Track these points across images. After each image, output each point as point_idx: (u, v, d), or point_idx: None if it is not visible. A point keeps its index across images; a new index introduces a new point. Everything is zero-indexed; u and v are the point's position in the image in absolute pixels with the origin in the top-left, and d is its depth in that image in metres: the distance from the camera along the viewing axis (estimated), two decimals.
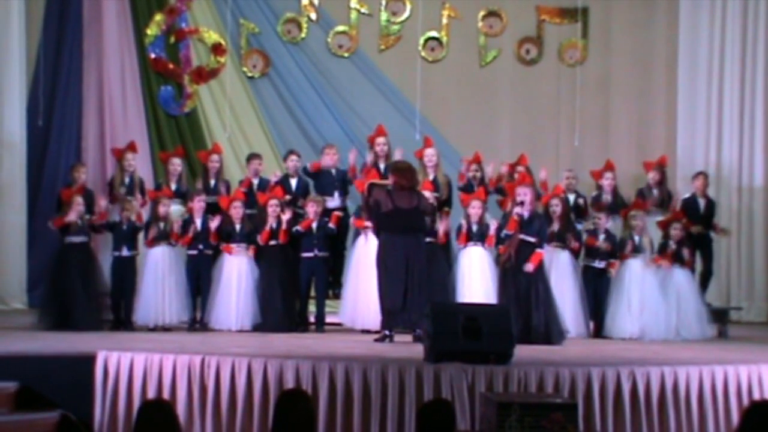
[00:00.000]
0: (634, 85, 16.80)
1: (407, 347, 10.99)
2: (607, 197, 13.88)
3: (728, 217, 15.82)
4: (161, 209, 12.87)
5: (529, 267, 11.90)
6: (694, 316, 13.02)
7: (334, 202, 13.53)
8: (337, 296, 13.46)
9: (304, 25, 16.55)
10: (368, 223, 12.72)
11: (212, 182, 13.83)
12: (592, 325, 13.01)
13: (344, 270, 13.27)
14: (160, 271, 12.77)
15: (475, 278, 12.78)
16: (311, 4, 16.54)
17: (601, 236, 13.10)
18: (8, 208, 15.33)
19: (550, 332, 11.83)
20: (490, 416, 7.84)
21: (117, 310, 12.69)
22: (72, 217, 12.47)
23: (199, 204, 13.01)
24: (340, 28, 16.60)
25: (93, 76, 15.92)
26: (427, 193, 12.53)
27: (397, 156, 13.15)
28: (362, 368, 9.20)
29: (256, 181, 13.76)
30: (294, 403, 6.28)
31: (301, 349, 10.57)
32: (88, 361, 9.62)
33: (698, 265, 14.06)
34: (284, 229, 12.84)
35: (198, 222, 12.94)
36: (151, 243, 12.80)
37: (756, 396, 9.44)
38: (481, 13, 16.75)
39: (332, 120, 16.37)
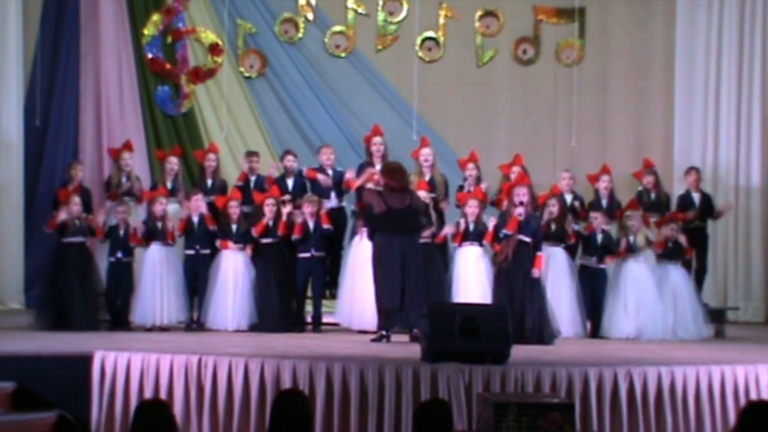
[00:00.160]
0: (631, 85, 16.79)
1: (404, 347, 11.00)
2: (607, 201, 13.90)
3: (725, 216, 15.82)
4: (158, 208, 12.87)
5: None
6: (691, 316, 13.03)
7: (331, 203, 13.53)
8: (333, 296, 13.46)
9: (301, 25, 16.54)
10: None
11: (209, 181, 13.83)
12: (589, 325, 13.01)
13: (341, 270, 13.28)
14: (157, 271, 12.77)
15: (471, 278, 12.78)
16: (308, 4, 16.53)
17: (599, 236, 13.11)
18: (5, 208, 15.31)
19: (543, 332, 11.85)
20: (487, 416, 7.85)
21: (113, 311, 12.67)
22: (63, 215, 12.46)
23: (196, 203, 13.01)
24: (337, 28, 16.60)
25: (90, 76, 15.90)
26: (422, 193, 12.53)
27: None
28: (359, 368, 9.20)
29: (253, 179, 13.76)
30: (291, 403, 6.28)
31: (298, 349, 10.58)
32: (86, 361, 9.62)
33: (693, 262, 14.06)
34: (284, 222, 12.83)
35: (195, 220, 12.94)
36: (146, 242, 12.79)
37: (753, 396, 9.45)
38: (478, 13, 16.75)
39: (329, 120, 16.36)
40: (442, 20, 16.70)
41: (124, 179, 13.79)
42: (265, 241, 12.89)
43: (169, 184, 13.72)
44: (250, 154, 14.15)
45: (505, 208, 12.42)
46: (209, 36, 16.29)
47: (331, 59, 16.59)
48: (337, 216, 13.48)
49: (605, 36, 16.85)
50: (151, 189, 13.65)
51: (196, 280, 12.94)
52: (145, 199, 13.32)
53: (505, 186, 12.74)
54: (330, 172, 13.72)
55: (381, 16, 16.69)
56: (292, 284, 12.93)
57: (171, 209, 13.25)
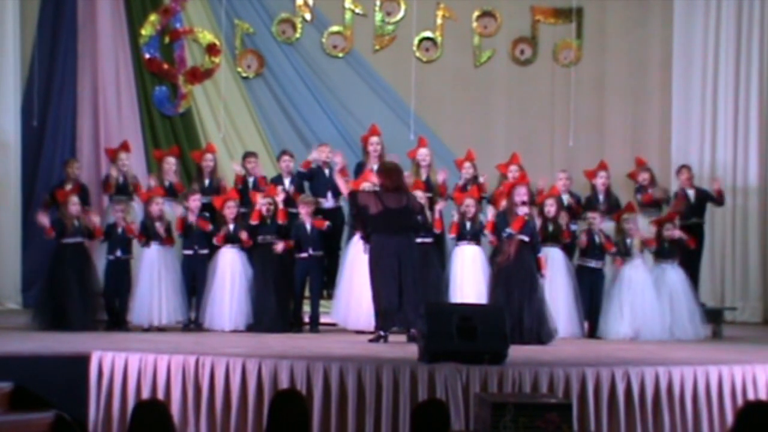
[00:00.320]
0: (628, 86, 16.81)
1: (402, 347, 11.00)
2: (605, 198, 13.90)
3: (723, 216, 15.85)
4: (154, 208, 12.87)
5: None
6: (688, 317, 13.03)
7: (328, 203, 13.53)
8: (331, 296, 13.46)
9: (299, 26, 16.55)
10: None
11: (207, 182, 13.83)
12: (586, 325, 13.02)
13: (338, 270, 13.27)
14: (155, 271, 12.77)
15: (468, 278, 12.79)
16: (306, 4, 16.53)
17: (596, 237, 13.11)
18: (3, 208, 15.32)
19: (541, 332, 11.85)
20: (484, 416, 7.84)
21: (111, 311, 12.68)
22: (45, 221, 12.43)
23: (194, 203, 13.01)
24: (335, 28, 16.60)
25: (88, 77, 15.91)
26: (419, 193, 12.53)
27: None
28: (357, 368, 9.20)
29: (251, 180, 13.76)
30: (288, 404, 6.28)
31: (295, 349, 10.57)
32: (83, 361, 9.62)
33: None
34: (282, 209, 12.83)
35: (193, 222, 12.94)
36: (146, 243, 12.81)
37: (750, 396, 9.45)
38: (476, 14, 16.75)
39: (327, 120, 16.37)
40: (439, 20, 16.70)
41: (121, 179, 13.77)
42: (262, 240, 12.88)
43: (166, 184, 13.70)
44: (248, 155, 14.14)
45: (504, 208, 12.40)
46: (207, 36, 16.29)
47: (328, 59, 16.60)
48: (334, 216, 13.47)
49: (602, 36, 16.87)
50: (148, 189, 13.64)
51: (194, 280, 12.94)
52: (142, 200, 13.31)
53: (506, 185, 12.74)
54: (327, 173, 13.71)
55: (378, 16, 16.69)
56: (290, 284, 12.92)
57: (168, 209, 13.25)
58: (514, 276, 11.94)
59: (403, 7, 16.68)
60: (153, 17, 16.18)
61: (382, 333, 11.66)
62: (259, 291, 12.77)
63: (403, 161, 13.04)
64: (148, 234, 12.81)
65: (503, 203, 12.49)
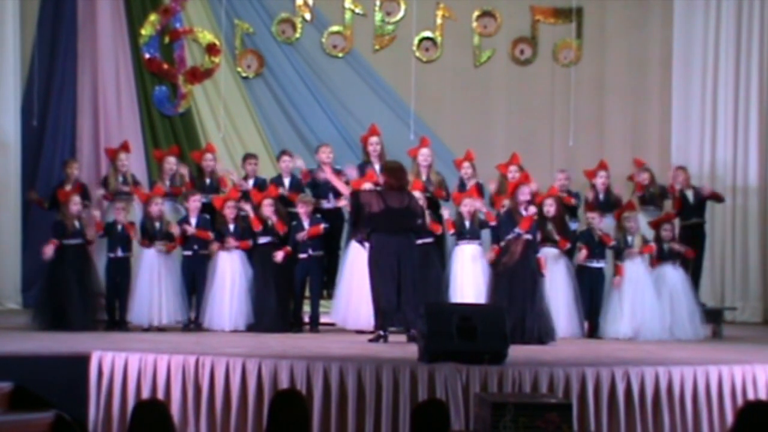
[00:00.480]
0: (628, 86, 16.80)
1: (402, 347, 11.00)
2: (605, 196, 13.90)
3: (723, 216, 15.86)
4: (154, 209, 12.87)
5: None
6: (688, 316, 13.03)
7: (328, 204, 13.53)
8: (331, 296, 13.46)
9: (299, 26, 16.54)
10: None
11: (207, 182, 13.83)
12: (586, 325, 13.02)
13: (338, 270, 13.27)
14: (155, 271, 12.78)
15: (468, 277, 12.78)
16: (305, 4, 16.53)
17: (596, 237, 13.11)
18: (3, 209, 15.33)
19: (542, 332, 11.86)
20: (484, 416, 7.85)
21: (111, 311, 12.68)
22: (50, 253, 12.43)
23: (194, 204, 13.01)
24: (335, 28, 16.59)
25: (87, 77, 15.91)
26: (417, 193, 12.52)
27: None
28: (357, 368, 9.20)
29: (251, 181, 13.76)
30: (288, 404, 6.28)
31: (295, 349, 10.57)
32: (83, 361, 9.62)
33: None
34: (279, 221, 12.82)
35: (193, 222, 12.95)
36: (147, 244, 12.80)
37: (750, 396, 9.45)
38: (476, 13, 16.75)
39: (326, 120, 16.36)
40: (439, 20, 16.70)
41: (120, 179, 13.77)
42: (262, 241, 12.88)
43: (166, 184, 13.71)
44: (248, 157, 14.12)
45: (506, 207, 12.39)
46: (206, 36, 16.29)
47: (328, 59, 16.59)
48: (334, 216, 13.48)
49: (602, 36, 16.86)
50: (149, 189, 13.65)
51: (194, 281, 12.94)
52: (141, 201, 13.31)
53: (511, 184, 12.74)
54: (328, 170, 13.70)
55: (378, 16, 16.69)
56: (290, 284, 12.92)
57: (167, 209, 13.26)
58: (518, 275, 11.95)
59: (403, 7, 16.67)
60: (153, 17, 16.18)
61: (381, 333, 11.66)
62: (259, 291, 12.77)
63: (404, 160, 13.02)
64: (148, 235, 12.81)
65: (504, 202, 12.49)
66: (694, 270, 14.23)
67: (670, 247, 13.16)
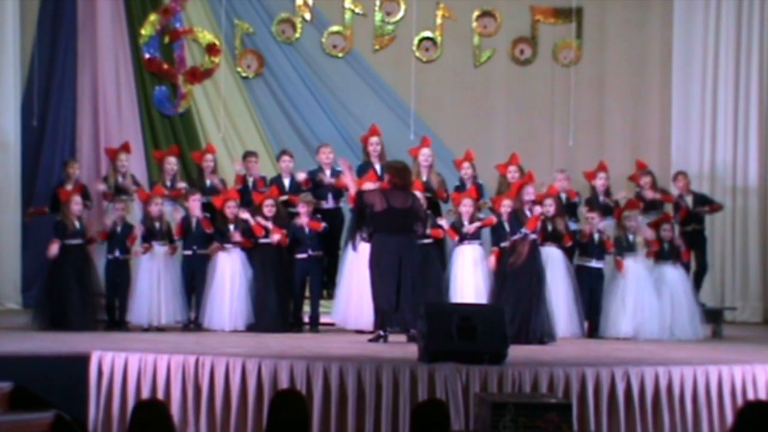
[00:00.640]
0: (628, 86, 16.81)
1: (401, 347, 11.00)
2: (609, 199, 13.89)
3: (723, 217, 15.83)
4: (154, 209, 12.87)
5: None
6: (689, 316, 13.04)
7: (328, 204, 13.52)
8: (331, 296, 13.46)
9: (299, 26, 16.54)
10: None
11: (207, 182, 13.83)
12: (586, 324, 13.02)
13: (338, 270, 13.27)
14: (155, 271, 12.77)
15: (469, 278, 12.77)
16: (305, 4, 16.53)
17: (596, 236, 13.12)
18: (2, 208, 15.32)
19: (544, 332, 11.86)
20: (484, 416, 7.85)
21: (111, 311, 12.68)
22: (55, 250, 12.42)
23: (194, 203, 13.01)
24: (335, 28, 16.59)
25: (87, 76, 15.90)
26: (417, 193, 12.51)
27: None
28: (356, 368, 9.21)
29: (251, 180, 13.75)
30: (288, 404, 6.27)
31: (295, 349, 10.57)
32: (83, 361, 9.63)
33: (692, 263, 14.08)
34: (276, 227, 12.83)
35: (193, 221, 12.95)
36: (147, 248, 12.79)
37: (750, 396, 9.46)
38: (476, 13, 16.75)
39: (326, 120, 16.36)
40: (439, 20, 16.70)
41: (120, 179, 13.77)
42: (262, 241, 12.87)
43: (167, 184, 13.70)
44: (248, 155, 14.13)
45: (508, 207, 12.38)
46: (206, 36, 16.29)
47: (328, 59, 16.59)
48: (333, 216, 13.47)
49: (602, 36, 16.86)
50: (150, 189, 13.65)
51: (194, 280, 12.94)
52: (141, 201, 13.31)
53: (514, 185, 12.74)
54: (328, 172, 13.70)
55: (378, 16, 16.69)
56: (290, 284, 12.92)
57: (167, 209, 13.26)
58: (525, 276, 11.94)
59: (402, 7, 16.67)
60: (153, 17, 16.18)
61: (381, 333, 11.66)
62: (258, 291, 12.76)
63: (403, 160, 13.01)
64: (148, 235, 12.81)
65: (504, 203, 12.48)
66: (697, 274, 14.26)
67: (671, 244, 13.15)
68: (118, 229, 12.83)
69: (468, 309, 10.45)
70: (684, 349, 11.57)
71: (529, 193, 12.23)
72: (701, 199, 14.55)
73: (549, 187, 13.31)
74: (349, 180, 12.45)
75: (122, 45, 16.06)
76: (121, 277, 12.76)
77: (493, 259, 12.35)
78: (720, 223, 15.93)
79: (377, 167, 13.28)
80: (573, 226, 13.58)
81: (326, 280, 13.48)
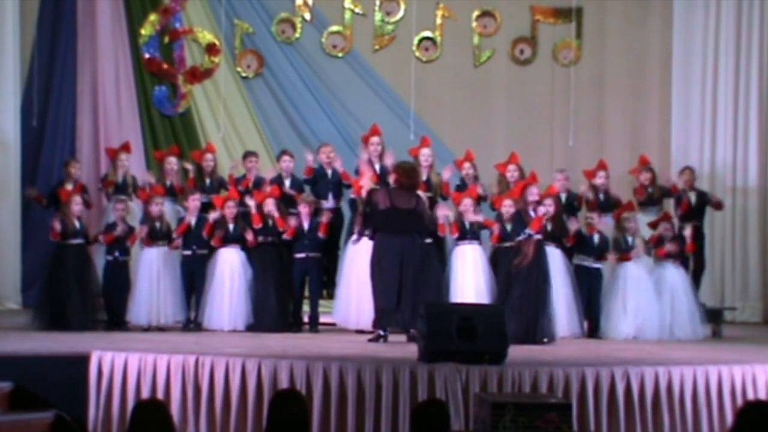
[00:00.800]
0: (628, 85, 16.81)
1: (401, 347, 11.00)
2: (604, 196, 13.91)
3: (722, 216, 15.83)
4: (154, 209, 12.87)
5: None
6: (688, 316, 13.04)
7: (328, 203, 13.53)
8: (331, 296, 13.46)
9: (299, 25, 16.54)
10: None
11: (207, 182, 13.84)
12: (586, 324, 13.02)
13: (338, 270, 13.27)
14: (154, 271, 12.78)
15: (468, 277, 12.77)
16: (305, 4, 16.53)
17: (595, 236, 13.12)
18: (2, 208, 15.32)
19: (546, 332, 11.87)
20: (484, 416, 7.85)
21: (111, 311, 12.67)
22: (58, 225, 12.43)
23: (194, 203, 13.01)
24: (335, 28, 16.59)
25: (87, 76, 15.90)
26: (419, 193, 12.50)
27: (388, 160, 13.15)
28: (356, 368, 9.21)
29: (251, 179, 13.75)
30: (288, 404, 6.28)
31: (295, 349, 10.58)
32: (83, 361, 9.63)
33: (690, 261, 14.07)
34: (280, 217, 12.81)
35: (193, 221, 12.95)
36: (149, 243, 12.80)
37: (750, 396, 9.46)
38: (476, 13, 16.74)
39: (326, 120, 16.36)
40: (439, 20, 16.69)
41: (120, 179, 13.78)
42: (262, 240, 12.87)
43: (167, 184, 13.71)
44: (248, 155, 14.13)
45: (511, 207, 12.38)
46: (206, 36, 16.29)
47: (328, 59, 16.59)
48: (333, 217, 13.47)
49: (602, 36, 16.86)
50: (149, 187, 13.64)
51: (194, 280, 12.93)
52: (141, 201, 13.32)
53: (518, 185, 12.75)
54: (329, 173, 13.71)
55: (378, 16, 16.69)
56: (289, 284, 12.92)
57: (168, 209, 13.27)
58: (532, 277, 11.93)
59: (402, 6, 16.67)
60: (153, 17, 16.18)
61: (381, 333, 11.66)
62: (258, 291, 12.76)
63: (404, 159, 13.03)
64: (148, 234, 12.82)
65: (506, 203, 12.47)
66: (695, 271, 14.25)
67: (670, 240, 13.17)
68: (118, 229, 12.81)
69: (468, 309, 10.45)
70: (684, 349, 11.57)
71: (533, 194, 12.22)
72: (703, 197, 14.55)
73: (548, 187, 13.32)
74: (365, 180, 12.56)
75: (122, 45, 16.06)
76: (120, 278, 12.76)
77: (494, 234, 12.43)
78: (720, 223, 15.92)
79: (377, 167, 13.29)
80: (572, 226, 13.57)
81: (326, 280, 13.49)
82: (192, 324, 12.82)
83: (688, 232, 13.45)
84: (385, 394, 9.12)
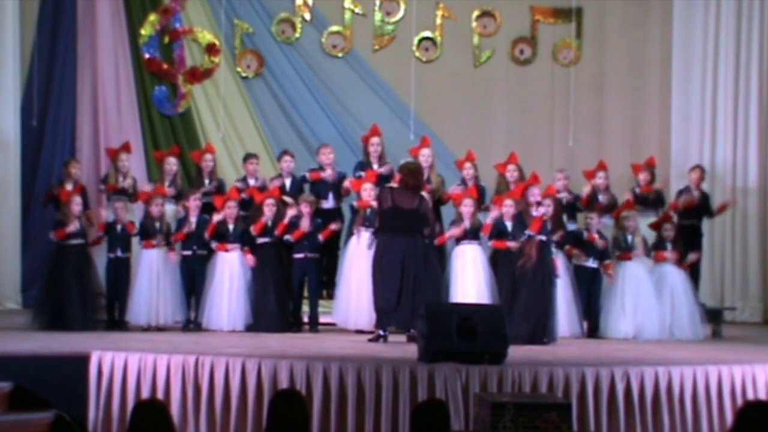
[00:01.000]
0: (628, 85, 16.80)
1: (401, 347, 11.00)
2: (605, 197, 13.88)
3: (722, 216, 15.79)
4: (154, 209, 12.88)
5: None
6: (688, 316, 13.04)
7: (328, 204, 13.52)
8: (331, 296, 13.46)
9: (298, 25, 16.53)
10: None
11: (206, 182, 13.83)
12: (585, 324, 13.02)
13: (338, 270, 13.27)
14: (154, 271, 12.78)
15: (469, 277, 12.76)
16: (305, 4, 16.52)
17: (594, 236, 13.11)
18: (2, 208, 15.31)
19: (547, 332, 11.89)
20: (484, 416, 7.85)
21: (111, 311, 12.68)
22: (72, 228, 12.46)
23: (194, 203, 13.01)
24: (334, 28, 16.58)
25: (87, 76, 15.90)
26: (423, 194, 12.50)
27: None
28: (356, 368, 9.21)
29: (252, 182, 13.75)
30: (288, 404, 6.28)
31: (295, 349, 10.58)
32: (83, 361, 9.63)
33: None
34: (284, 224, 12.81)
35: (193, 221, 12.95)
36: (149, 245, 12.80)
37: (750, 396, 9.46)
38: (475, 13, 16.74)
39: (326, 120, 16.35)
40: (439, 20, 16.69)
41: (120, 179, 13.78)
42: (261, 241, 12.87)
43: (167, 184, 13.70)
44: (249, 157, 14.11)
45: (512, 208, 12.38)
46: (206, 36, 16.28)
47: (328, 59, 16.58)
48: (333, 217, 13.46)
49: (602, 36, 16.86)
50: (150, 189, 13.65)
51: (194, 281, 12.93)
52: (142, 201, 13.32)
53: (519, 186, 12.75)
54: (330, 171, 13.70)
55: (378, 16, 16.68)
56: (289, 284, 12.92)
57: (168, 209, 13.27)
58: (537, 278, 11.92)
59: (402, 6, 16.66)
60: (153, 17, 16.17)
61: (381, 333, 11.66)
62: (258, 291, 12.76)
63: (417, 161, 13.04)
64: (148, 234, 12.81)
65: (507, 202, 12.47)
66: (693, 270, 14.24)
67: (673, 245, 13.17)
68: (118, 228, 12.83)
69: (468, 309, 10.45)
70: (684, 349, 11.57)
71: (534, 195, 12.21)
72: (706, 200, 14.57)
73: (547, 187, 13.32)
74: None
75: (122, 45, 16.05)
76: (121, 275, 12.77)
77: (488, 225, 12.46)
78: (720, 223, 15.91)
79: (375, 167, 13.30)
80: (572, 226, 13.59)
81: (326, 280, 13.49)
82: (192, 324, 12.83)
83: (692, 257, 13.47)
84: (385, 394, 9.13)
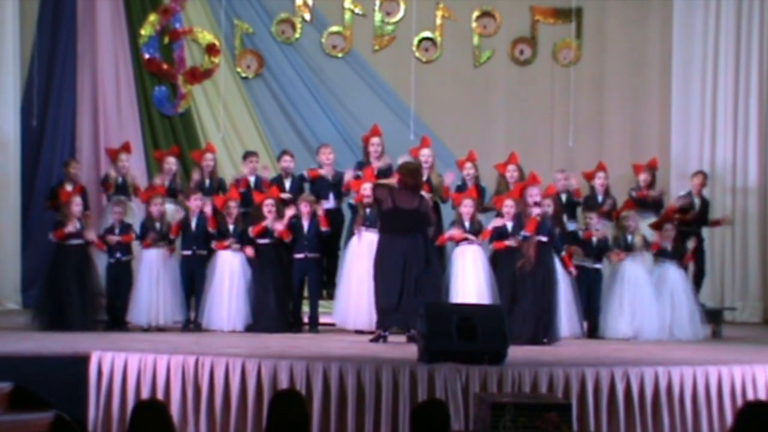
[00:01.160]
0: (628, 85, 16.81)
1: (401, 347, 11.00)
2: (609, 202, 13.88)
3: (720, 226, 15.81)
4: (154, 209, 12.87)
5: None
6: (688, 317, 13.03)
7: (328, 203, 13.52)
8: (331, 296, 13.46)
9: (298, 26, 16.54)
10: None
11: (207, 182, 13.83)
12: (585, 325, 13.02)
13: (338, 270, 13.27)
14: (154, 271, 12.77)
15: (469, 278, 12.75)
16: (305, 4, 16.53)
17: (594, 237, 13.11)
18: (2, 208, 15.32)
19: (549, 333, 11.89)
20: (484, 416, 7.85)
21: (112, 312, 12.68)
22: (71, 228, 12.46)
23: (195, 203, 13.01)
24: (334, 28, 16.59)
25: (87, 76, 15.91)
26: (423, 194, 12.50)
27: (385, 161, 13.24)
28: (356, 368, 9.21)
29: (252, 179, 13.75)
30: (288, 404, 6.28)
31: (295, 349, 10.58)
32: (83, 361, 9.63)
33: (692, 267, 14.07)
34: (286, 224, 12.81)
35: (193, 221, 12.95)
36: (148, 245, 12.80)
37: (750, 396, 9.46)
38: (475, 14, 16.75)
39: (326, 120, 16.36)
40: (439, 20, 16.70)
41: (120, 180, 13.79)
42: (261, 241, 12.87)
43: (166, 184, 13.70)
44: (249, 155, 14.12)
45: (511, 208, 12.37)
46: (206, 36, 16.29)
47: (328, 59, 16.59)
48: (334, 217, 13.47)
49: (602, 36, 16.87)
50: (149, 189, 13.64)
51: (193, 281, 12.93)
52: (142, 201, 13.33)
53: (518, 186, 12.75)
54: (329, 170, 13.71)
55: (378, 16, 16.69)
56: (289, 285, 12.91)
57: (168, 209, 13.27)
58: (538, 280, 11.91)
59: (402, 7, 16.67)
60: (153, 17, 16.18)
61: (382, 333, 11.66)
62: (258, 291, 12.76)
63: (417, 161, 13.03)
64: (147, 234, 12.82)
65: (507, 204, 12.46)
66: (696, 276, 14.25)
67: (673, 245, 13.17)
68: (116, 231, 12.81)
69: (468, 309, 10.44)
70: (684, 349, 11.57)
71: (532, 195, 12.19)
72: (706, 207, 14.58)
73: (547, 187, 13.32)
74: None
75: (122, 45, 16.07)
76: (123, 278, 12.77)
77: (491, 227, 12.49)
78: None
79: (374, 167, 13.31)
80: (572, 226, 13.59)
81: (326, 281, 13.48)
82: (192, 324, 12.83)
83: (691, 245, 13.47)
84: (385, 394, 9.13)
